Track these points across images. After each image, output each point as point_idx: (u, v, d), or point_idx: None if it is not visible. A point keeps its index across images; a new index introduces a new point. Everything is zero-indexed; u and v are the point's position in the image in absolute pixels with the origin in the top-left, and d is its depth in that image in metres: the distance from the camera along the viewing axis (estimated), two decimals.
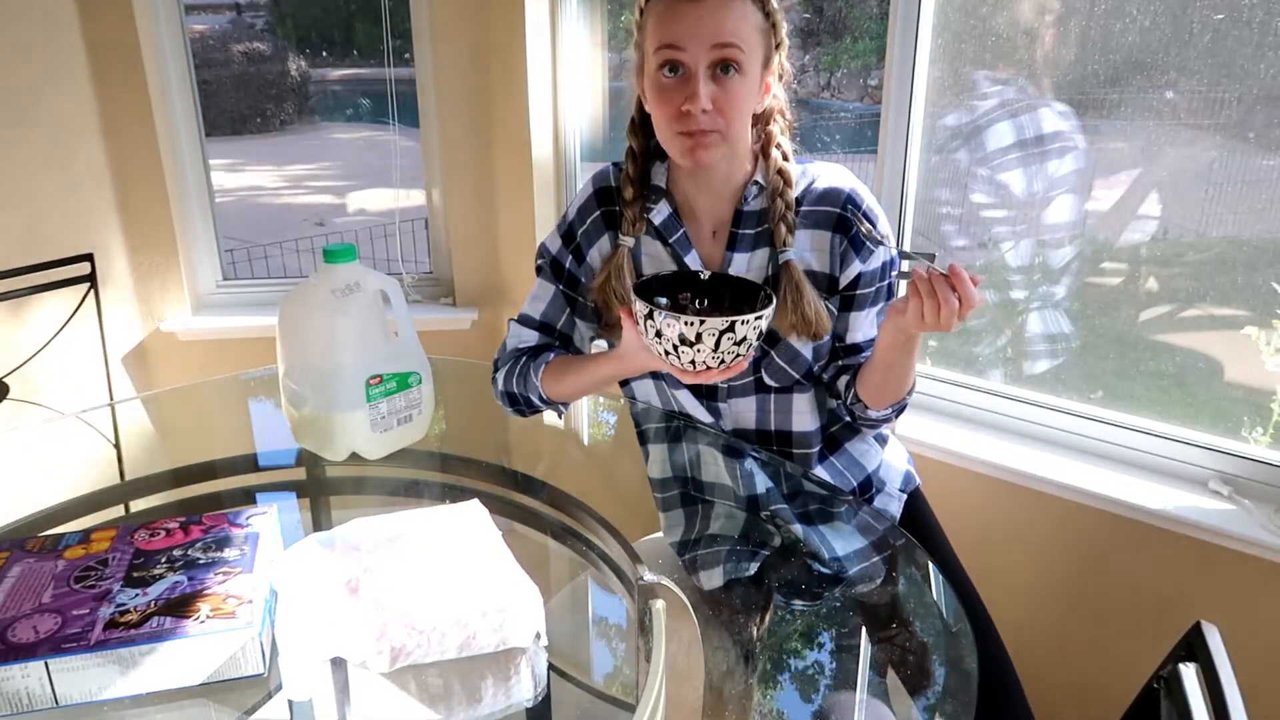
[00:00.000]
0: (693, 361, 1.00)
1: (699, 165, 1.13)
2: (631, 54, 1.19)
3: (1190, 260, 1.70)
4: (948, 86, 1.89)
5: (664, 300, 1.08)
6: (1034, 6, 1.77)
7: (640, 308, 1.00)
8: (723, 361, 1.00)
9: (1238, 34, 1.52)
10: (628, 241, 1.22)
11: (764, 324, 1.00)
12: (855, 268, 1.17)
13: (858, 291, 1.18)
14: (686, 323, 0.96)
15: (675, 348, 0.99)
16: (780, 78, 1.17)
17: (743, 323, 0.97)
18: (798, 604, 1.05)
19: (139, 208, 2.55)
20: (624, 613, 1.05)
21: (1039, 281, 1.92)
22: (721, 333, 0.96)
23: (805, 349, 1.20)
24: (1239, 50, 1.52)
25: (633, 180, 1.21)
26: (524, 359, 1.28)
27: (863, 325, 1.20)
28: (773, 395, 1.24)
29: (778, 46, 1.13)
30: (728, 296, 1.10)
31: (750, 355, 1.02)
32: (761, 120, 1.19)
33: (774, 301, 1.01)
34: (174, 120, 2.54)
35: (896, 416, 1.22)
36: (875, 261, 1.17)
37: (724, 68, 1.07)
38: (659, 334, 1.00)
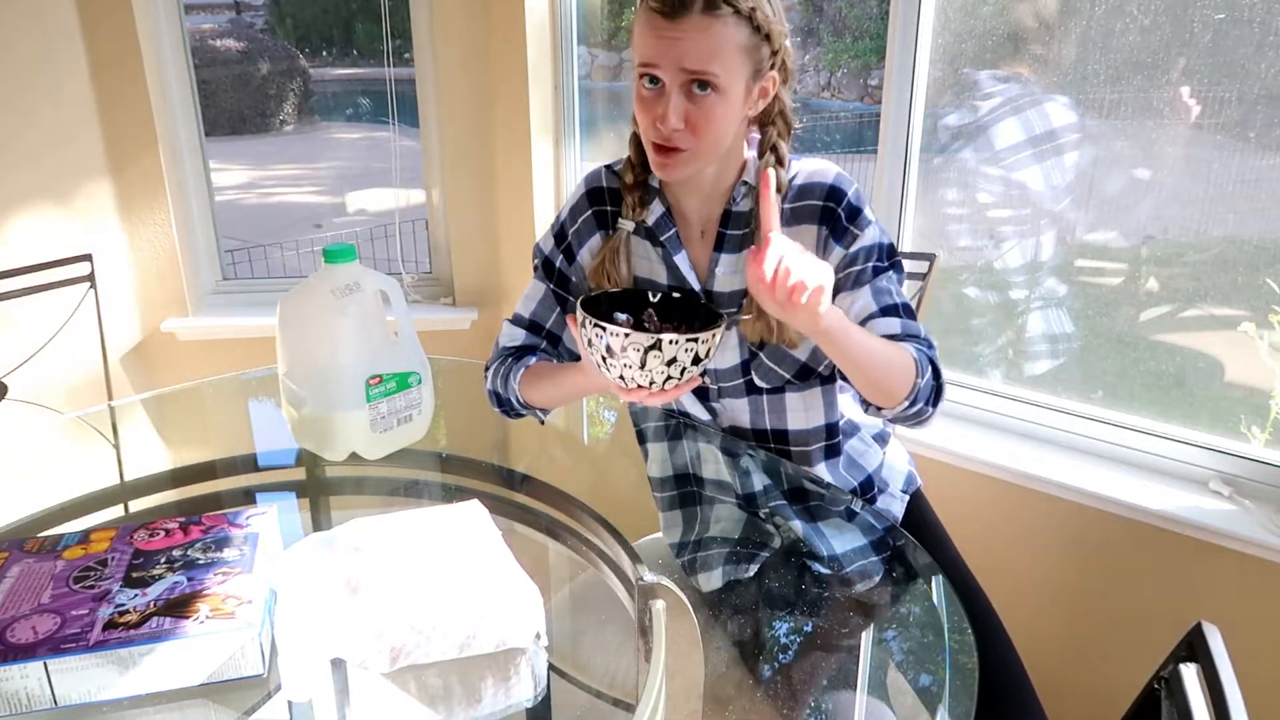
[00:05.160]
0: (621, 376, 0.97)
1: (667, 179, 1.14)
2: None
3: (1190, 260, 1.70)
4: (948, 86, 1.89)
5: (623, 317, 1.05)
6: (1034, 7, 1.77)
7: (578, 314, 0.99)
8: (653, 381, 0.97)
9: (1238, 34, 1.52)
10: (627, 225, 1.21)
11: (700, 348, 0.96)
12: (838, 253, 1.14)
13: (840, 274, 1.15)
14: (612, 334, 0.94)
15: (604, 359, 0.97)
16: (785, 81, 1.13)
17: (670, 342, 0.93)
18: (797, 604, 1.05)
19: (139, 208, 2.55)
20: (624, 613, 1.05)
21: (1039, 281, 1.92)
22: (647, 349, 0.94)
23: (795, 349, 1.20)
24: (1239, 50, 1.52)
25: (635, 165, 1.20)
26: (509, 359, 1.28)
27: (848, 309, 1.15)
28: (764, 396, 1.24)
29: (774, 53, 1.09)
30: (696, 320, 1.07)
31: (689, 383, 0.99)
32: (757, 123, 1.18)
33: (715, 330, 0.98)
34: (174, 120, 2.54)
35: (932, 406, 1.13)
36: (858, 245, 1.14)
37: (700, 85, 1.05)
38: (590, 343, 0.98)
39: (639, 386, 0.98)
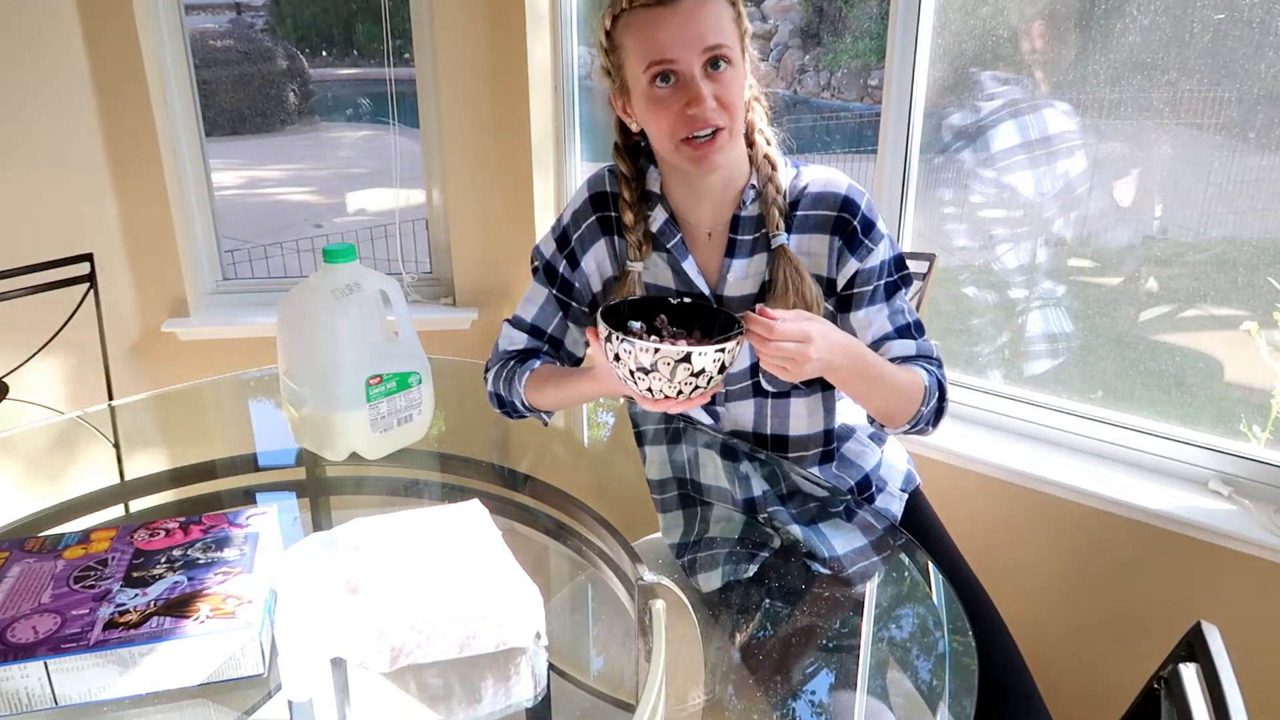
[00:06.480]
0: (649, 389, 0.98)
1: (712, 168, 1.12)
2: (601, 80, 1.19)
3: (1190, 260, 1.70)
4: (948, 86, 1.89)
5: (638, 324, 1.05)
6: (1034, 6, 1.77)
7: (601, 329, 0.98)
8: (680, 392, 0.97)
9: (1238, 34, 1.52)
10: (635, 267, 1.21)
11: (726, 358, 0.96)
12: (852, 266, 1.15)
13: (855, 290, 1.17)
14: (642, 349, 0.94)
15: (632, 374, 0.97)
16: (751, 66, 1.16)
17: (700, 354, 0.94)
18: (797, 603, 1.05)
19: (139, 208, 2.55)
20: (624, 613, 1.05)
21: (1039, 281, 1.92)
22: (677, 362, 0.94)
23: None
24: (1239, 50, 1.52)
25: (631, 204, 1.20)
26: (512, 363, 1.28)
27: (864, 327, 1.19)
28: (770, 400, 1.24)
29: (744, 34, 1.12)
30: (708, 325, 1.07)
31: (714, 389, 0.99)
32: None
33: (738, 337, 0.98)
34: (174, 120, 2.54)
35: (933, 425, 1.20)
36: (873, 259, 1.16)
37: (715, 63, 1.07)
38: (618, 358, 0.97)
39: (666, 397, 0.98)
